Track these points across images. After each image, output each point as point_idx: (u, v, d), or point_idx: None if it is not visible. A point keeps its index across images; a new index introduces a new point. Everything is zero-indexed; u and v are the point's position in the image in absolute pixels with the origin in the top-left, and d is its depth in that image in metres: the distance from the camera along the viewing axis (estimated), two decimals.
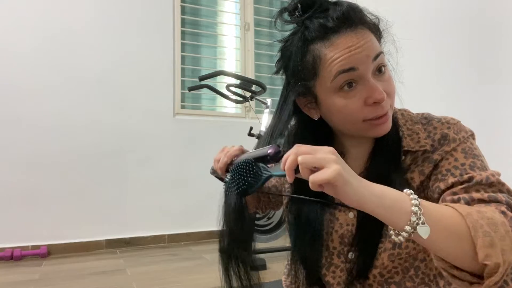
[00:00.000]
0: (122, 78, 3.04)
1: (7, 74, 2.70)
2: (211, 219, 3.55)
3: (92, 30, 2.95)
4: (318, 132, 0.75)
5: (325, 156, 0.51)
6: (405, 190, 0.53)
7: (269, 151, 0.64)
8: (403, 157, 0.71)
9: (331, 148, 0.52)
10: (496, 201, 0.57)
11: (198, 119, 3.34)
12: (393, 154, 0.71)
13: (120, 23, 3.05)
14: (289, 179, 0.53)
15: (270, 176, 0.62)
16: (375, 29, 0.67)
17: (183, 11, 3.37)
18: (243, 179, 0.65)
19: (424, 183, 0.69)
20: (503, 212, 0.54)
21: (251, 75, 3.57)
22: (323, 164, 0.50)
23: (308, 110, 0.72)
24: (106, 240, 2.91)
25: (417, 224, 0.49)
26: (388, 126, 0.67)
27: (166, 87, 3.22)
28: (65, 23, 2.87)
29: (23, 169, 2.71)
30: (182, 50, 3.35)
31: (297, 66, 0.67)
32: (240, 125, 3.25)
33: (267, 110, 2.68)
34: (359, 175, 0.70)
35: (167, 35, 3.23)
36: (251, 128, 2.60)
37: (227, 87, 2.74)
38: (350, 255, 0.72)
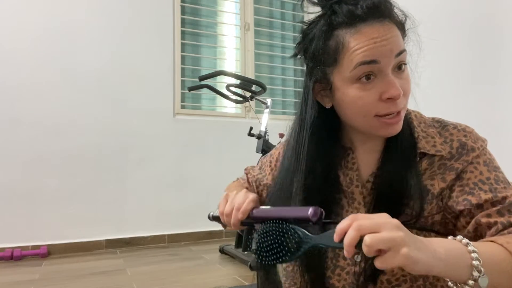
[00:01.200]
0: (122, 78, 3.04)
1: (7, 74, 2.70)
2: None
3: (92, 30, 2.95)
4: (327, 122, 0.71)
5: (393, 235, 0.46)
6: (458, 238, 0.53)
7: (311, 217, 0.55)
8: (418, 159, 0.69)
9: (396, 222, 0.48)
10: None
11: (198, 119, 3.34)
12: (407, 155, 0.69)
13: (120, 23, 3.05)
14: (348, 254, 0.48)
15: (315, 246, 0.53)
16: (401, 26, 0.66)
17: (183, 11, 3.37)
18: (278, 244, 0.56)
19: (444, 192, 0.67)
20: None
21: (251, 75, 3.57)
22: (391, 247, 0.46)
23: (321, 97, 0.70)
24: (106, 240, 2.91)
25: (479, 277, 0.50)
26: (399, 126, 0.66)
27: (166, 87, 3.22)
28: (65, 22, 2.87)
29: (23, 169, 2.71)
30: (182, 50, 3.35)
31: (318, 50, 0.65)
32: (240, 125, 3.25)
33: (267, 110, 2.68)
34: (371, 176, 0.71)
35: (167, 35, 3.23)
36: (251, 128, 2.60)
37: (227, 87, 2.74)
38: (356, 257, 0.68)
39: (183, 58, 3.35)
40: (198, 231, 3.21)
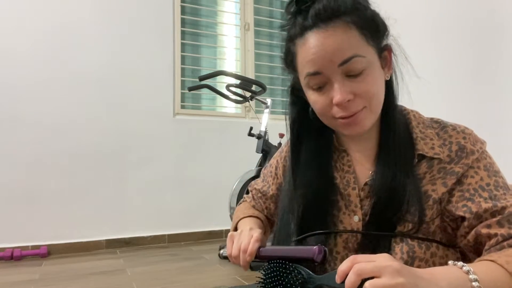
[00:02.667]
0: (122, 78, 3.04)
1: (8, 74, 2.70)
2: (211, 219, 3.57)
3: (92, 30, 2.95)
4: (316, 122, 0.73)
5: (393, 283, 0.46)
6: (459, 264, 0.54)
7: (315, 257, 0.57)
8: (416, 161, 0.68)
9: (397, 266, 0.48)
10: None
11: (198, 119, 3.34)
12: (405, 158, 0.68)
13: (120, 23, 3.05)
14: None
15: (319, 286, 0.55)
16: (364, 24, 0.62)
17: (183, 11, 3.37)
18: (283, 284, 0.58)
19: (443, 196, 0.67)
20: None
21: (251, 75, 3.57)
22: None
23: (305, 97, 0.74)
24: (106, 240, 2.91)
25: None
26: (360, 126, 0.66)
27: (166, 87, 3.22)
28: (65, 22, 2.87)
29: (23, 169, 2.71)
30: (182, 50, 3.35)
31: (284, 58, 0.71)
32: (240, 125, 3.25)
33: (267, 110, 2.68)
34: (367, 183, 0.70)
35: (167, 35, 3.23)
36: (251, 128, 2.60)
37: (227, 87, 2.74)
38: None
39: (183, 58, 3.35)
40: (198, 231, 3.21)
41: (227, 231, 3.26)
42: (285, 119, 0.78)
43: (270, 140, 2.66)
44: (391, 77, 0.70)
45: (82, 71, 2.91)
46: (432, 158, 0.68)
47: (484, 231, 0.62)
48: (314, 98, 0.67)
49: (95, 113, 2.94)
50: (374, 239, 0.67)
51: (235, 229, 0.86)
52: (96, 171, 2.92)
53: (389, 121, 0.71)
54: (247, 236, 0.71)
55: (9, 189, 2.67)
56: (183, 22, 3.37)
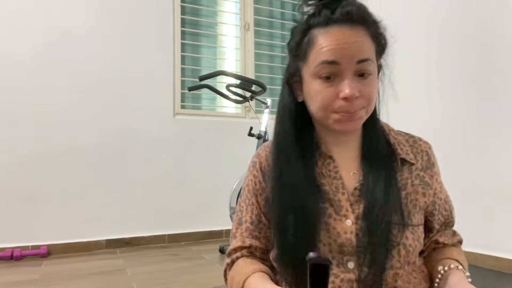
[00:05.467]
0: (122, 78, 3.04)
1: (8, 75, 2.70)
2: (211, 219, 3.57)
3: (92, 30, 2.95)
4: (300, 117, 0.76)
5: None
6: (467, 274, 0.72)
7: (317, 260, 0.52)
8: (400, 164, 0.74)
9: None
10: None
11: (198, 119, 3.34)
12: (389, 162, 0.74)
13: (120, 23, 3.05)
14: None
15: None
16: (375, 39, 0.70)
17: (183, 11, 3.37)
18: None
19: (425, 205, 0.76)
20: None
21: (251, 75, 3.57)
22: None
23: (295, 90, 0.76)
24: (106, 240, 2.91)
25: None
26: (353, 125, 0.70)
27: (166, 87, 3.22)
28: (65, 22, 2.87)
29: (23, 169, 2.71)
30: (182, 50, 3.35)
31: (294, 45, 0.73)
32: (240, 125, 3.25)
33: (267, 110, 2.68)
34: (356, 187, 0.73)
35: (167, 35, 3.23)
36: (251, 128, 2.60)
37: (227, 87, 2.74)
38: (350, 265, 0.69)
39: (183, 58, 3.35)
40: (198, 231, 3.21)
41: (227, 231, 3.27)
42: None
43: (270, 140, 2.65)
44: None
45: (82, 71, 2.91)
46: (410, 164, 0.75)
47: (440, 239, 0.80)
48: (319, 88, 0.69)
49: (95, 113, 2.94)
50: (370, 242, 0.68)
51: None
52: (96, 171, 2.92)
53: (372, 127, 0.76)
54: None
55: (9, 189, 2.67)
56: (183, 22, 3.37)
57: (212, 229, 3.25)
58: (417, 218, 0.73)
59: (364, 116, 0.71)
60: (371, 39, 0.68)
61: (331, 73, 0.67)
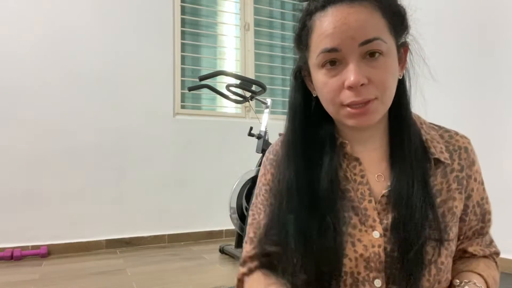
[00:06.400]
0: (122, 78, 3.04)
1: (7, 74, 2.70)
2: (211, 219, 3.58)
3: (92, 30, 2.95)
4: (317, 111, 0.66)
5: None
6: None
7: None
8: (432, 166, 0.64)
9: None
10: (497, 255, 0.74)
11: (198, 119, 3.34)
12: (421, 164, 0.63)
13: (120, 23, 3.05)
14: None
15: None
16: (388, 12, 0.59)
17: (183, 11, 3.37)
18: None
19: (461, 210, 0.67)
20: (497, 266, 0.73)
21: (251, 75, 3.57)
22: None
23: (308, 84, 0.67)
24: (106, 240, 2.91)
25: None
26: (368, 118, 0.59)
27: (166, 87, 3.22)
28: (64, 22, 2.87)
29: (23, 169, 2.71)
30: (182, 50, 3.35)
31: (298, 35, 0.64)
32: (240, 125, 3.25)
33: (267, 110, 2.68)
34: (384, 194, 0.63)
35: (167, 35, 3.23)
36: (251, 128, 2.60)
37: (227, 87, 2.74)
38: (377, 283, 0.61)
39: (183, 58, 3.35)
40: (198, 231, 3.21)
41: (227, 231, 3.27)
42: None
43: (270, 140, 2.66)
44: (403, 77, 0.65)
45: (82, 71, 2.91)
46: (445, 165, 0.65)
47: (470, 249, 0.70)
48: (323, 80, 0.60)
49: (95, 113, 2.94)
50: (402, 258, 0.59)
51: None
52: (96, 171, 2.92)
53: (402, 123, 0.65)
54: None
55: (9, 189, 2.67)
56: (183, 22, 3.37)
57: (212, 229, 3.25)
58: (454, 232, 0.64)
59: (380, 107, 0.59)
60: (382, 14, 0.58)
61: (334, 59, 0.58)
